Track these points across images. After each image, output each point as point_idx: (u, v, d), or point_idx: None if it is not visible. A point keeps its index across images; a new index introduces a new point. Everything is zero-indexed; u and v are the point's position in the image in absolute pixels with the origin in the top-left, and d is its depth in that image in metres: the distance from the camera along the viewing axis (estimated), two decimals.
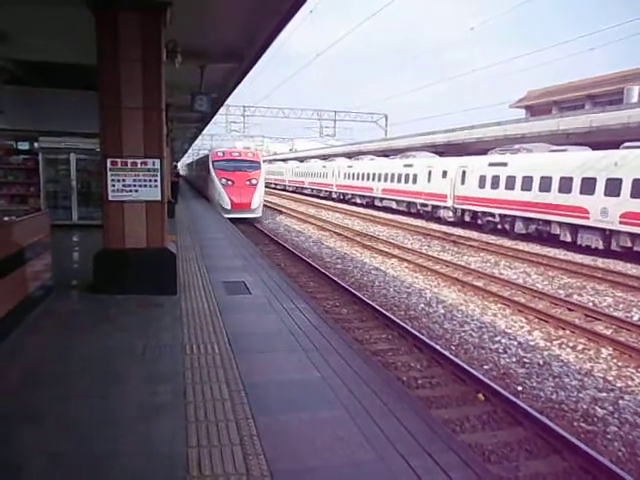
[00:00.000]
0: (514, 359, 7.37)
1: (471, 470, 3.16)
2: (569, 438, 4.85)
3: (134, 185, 6.71)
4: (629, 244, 15.48)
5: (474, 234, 21.18)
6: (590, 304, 10.42)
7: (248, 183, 23.11)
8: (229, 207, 22.49)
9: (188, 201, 26.06)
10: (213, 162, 24.27)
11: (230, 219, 19.26)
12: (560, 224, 18.11)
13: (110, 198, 6.71)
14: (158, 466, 3.10)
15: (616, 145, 17.12)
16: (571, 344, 8.05)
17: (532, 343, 8.05)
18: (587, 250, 16.85)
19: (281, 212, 30.02)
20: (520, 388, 6.40)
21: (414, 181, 28.16)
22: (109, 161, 6.62)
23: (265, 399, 3.98)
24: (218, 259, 10.28)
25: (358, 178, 36.27)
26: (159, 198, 6.87)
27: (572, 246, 17.52)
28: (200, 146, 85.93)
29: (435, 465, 3.17)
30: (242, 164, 23.94)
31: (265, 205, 27.98)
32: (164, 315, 6.13)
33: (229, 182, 23.07)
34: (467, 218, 23.75)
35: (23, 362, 4.61)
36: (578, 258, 15.85)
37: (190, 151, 66.44)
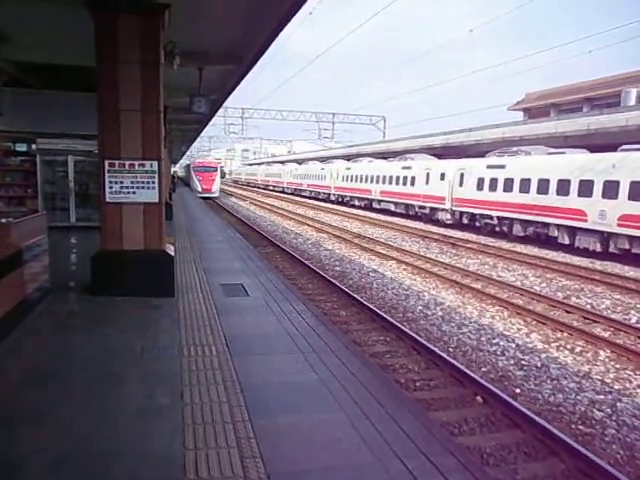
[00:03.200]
0: (512, 361, 7.36)
1: (469, 472, 3.15)
2: (567, 440, 4.84)
3: (132, 187, 6.71)
4: (627, 246, 15.50)
5: (472, 236, 21.20)
6: (588, 306, 10.43)
7: (210, 178, 43.17)
8: (200, 190, 42.18)
9: (183, 196, 33.59)
10: (193, 167, 45.10)
11: (202, 198, 37.27)
12: (558, 226, 18.14)
13: (108, 200, 6.70)
14: (155, 468, 3.09)
15: (614, 148, 17.16)
16: (569, 346, 8.04)
17: (530, 345, 8.04)
18: (585, 252, 16.86)
19: (279, 214, 30.02)
20: (518, 390, 6.39)
21: (412, 183, 28.18)
22: (107, 163, 6.62)
23: (263, 401, 3.97)
24: (216, 261, 10.29)
25: (356, 180, 36.27)
26: (157, 200, 6.87)
27: (570, 248, 17.54)
28: (199, 148, 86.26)
29: (433, 467, 3.17)
30: (208, 168, 44.01)
31: (263, 207, 35.35)
32: (162, 317, 6.12)
33: (200, 178, 43.05)
34: (465, 220, 23.76)
35: (21, 364, 4.60)
36: (576, 260, 15.87)
37: (188, 153, 66.67)
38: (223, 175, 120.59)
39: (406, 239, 20.48)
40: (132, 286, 6.70)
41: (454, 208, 24.37)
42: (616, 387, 6.57)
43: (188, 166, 50.38)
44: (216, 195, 42.95)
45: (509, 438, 5.12)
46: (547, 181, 18.59)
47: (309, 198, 46.01)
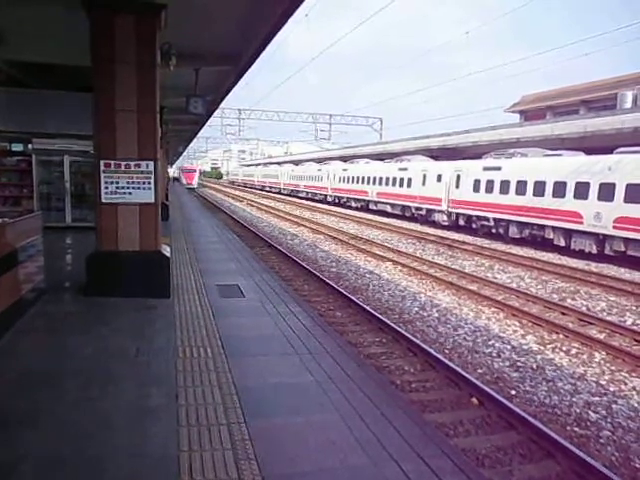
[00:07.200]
0: (508, 363, 7.37)
1: (464, 475, 3.15)
2: (562, 442, 4.85)
3: (128, 187, 6.69)
4: (622, 249, 15.54)
5: (468, 238, 21.22)
6: (583, 308, 10.45)
7: (191, 176, 68.93)
8: (185, 184, 65.64)
9: (180, 197, 32.18)
10: (181, 169, 76.08)
11: (187, 189, 58.96)
12: (554, 228, 18.18)
13: (103, 200, 6.68)
14: (149, 470, 3.08)
15: (610, 150, 17.22)
16: (564, 348, 8.06)
17: (525, 347, 8.05)
18: (581, 254, 16.91)
19: (276, 215, 30.01)
20: (514, 392, 6.40)
21: (409, 185, 28.21)
22: (102, 163, 6.60)
23: (258, 403, 3.96)
24: (212, 262, 10.27)
25: (353, 181, 36.30)
26: (153, 200, 6.85)
27: (566, 250, 17.58)
28: (196, 148, 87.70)
29: (428, 470, 3.16)
30: (190, 170, 72.61)
31: (260, 208, 35.46)
32: (157, 318, 6.11)
33: (185, 176, 69.44)
34: (461, 222, 23.80)
35: (15, 365, 4.57)
36: (572, 262, 15.90)
37: (185, 153, 67.94)
38: (221, 176, 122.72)
39: (402, 240, 20.49)
40: (127, 287, 6.68)
41: (450, 210, 24.40)
42: (611, 389, 6.58)
43: (180, 168, 79.15)
44: (195, 186, 66.44)
45: (504, 440, 5.12)
46: (543, 183, 18.63)
47: (306, 199, 46.02)
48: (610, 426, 5.57)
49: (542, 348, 8.05)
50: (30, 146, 13.02)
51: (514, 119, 38.88)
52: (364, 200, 34.69)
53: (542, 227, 18.76)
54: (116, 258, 6.75)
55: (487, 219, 21.74)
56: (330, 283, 11.31)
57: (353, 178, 36.34)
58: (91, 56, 6.40)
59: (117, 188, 6.67)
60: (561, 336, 8.58)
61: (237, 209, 35.04)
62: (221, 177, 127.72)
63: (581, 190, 16.97)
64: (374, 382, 4.55)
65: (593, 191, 16.52)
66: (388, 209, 31.02)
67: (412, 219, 27.82)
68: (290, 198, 48.11)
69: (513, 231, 20.16)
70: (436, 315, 9.65)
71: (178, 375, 4.40)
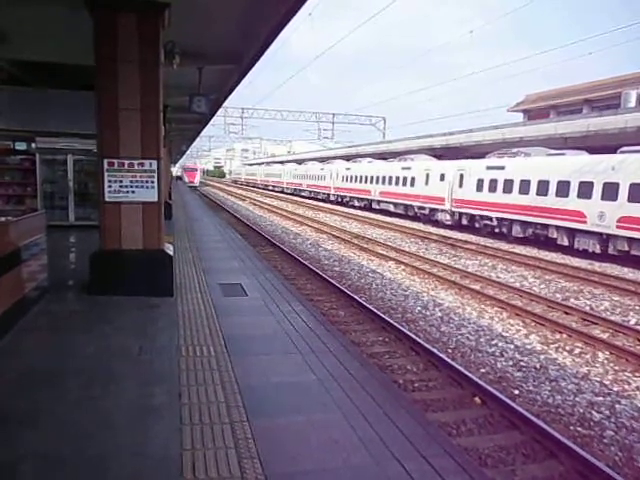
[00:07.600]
0: (511, 363, 7.35)
1: (467, 474, 3.15)
2: (565, 442, 4.83)
3: (131, 186, 6.70)
4: (626, 248, 15.50)
5: (471, 237, 21.18)
6: (587, 308, 10.42)
7: (193, 174, 72.83)
8: (187, 182, 69.70)
9: (183, 196, 31.63)
10: (184, 168, 77.88)
11: (189, 187, 61.58)
12: (557, 228, 18.14)
13: (107, 199, 6.69)
14: (152, 469, 3.08)
15: (613, 149, 17.16)
16: (568, 348, 8.04)
17: (529, 347, 8.03)
18: (584, 254, 16.87)
19: (279, 214, 30.02)
20: (517, 392, 6.38)
21: (412, 184, 28.17)
22: (106, 162, 6.61)
23: (261, 402, 3.96)
24: (215, 261, 10.28)
25: (356, 181, 36.28)
26: (156, 199, 6.85)
27: (569, 250, 17.54)
28: (199, 147, 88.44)
29: (431, 469, 3.16)
30: (192, 169, 75.45)
31: (263, 207, 35.56)
32: (160, 317, 6.11)
33: (187, 174, 73.42)
34: (465, 221, 23.76)
35: (18, 363, 4.58)
36: (575, 262, 15.86)
37: (188, 152, 67.84)
38: (223, 175, 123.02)
39: (405, 240, 20.47)
40: (131, 285, 6.69)
41: (453, 209, 24.36)
42: (615, 389, 6.56)
43: (183, 167, 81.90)
44: (197, 185, 69.82)
45: (507, 439, 5.10)
46: (547, 182, 18.59)
47: (309, 198, 46.01)
48: (613, 426, 5.55)
49: (545, 348, 8.03)
50: (33, 145, 13.06)
51: (517, 118, 38.81)
52: (367, 199, 34.67)
53: (545, 226, 18.71)
54: (119, 257, 6.76)
55: (490, 218, 21.69)
56: (333, 282, 11.30)
57: (356, 177, 36.31)
58: (94, 55, 6.40)
59: (120, 187, 6.68)
60: (564, 336, 8.56)
61: (240, 208, 35.06)
62: (224, 176, 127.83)
63: (585, 190, 16.92)
64: (377, 381, 4.54)
65: (597, 190, 16.48)
66: (391, 208, 30.99)
67: (415, 218, 27.79)
68: (293, 197, 48.10)
69: (516, 230, 20.12)
70: (439, 314, 9.64)
71: (181, 374, 4.41)
